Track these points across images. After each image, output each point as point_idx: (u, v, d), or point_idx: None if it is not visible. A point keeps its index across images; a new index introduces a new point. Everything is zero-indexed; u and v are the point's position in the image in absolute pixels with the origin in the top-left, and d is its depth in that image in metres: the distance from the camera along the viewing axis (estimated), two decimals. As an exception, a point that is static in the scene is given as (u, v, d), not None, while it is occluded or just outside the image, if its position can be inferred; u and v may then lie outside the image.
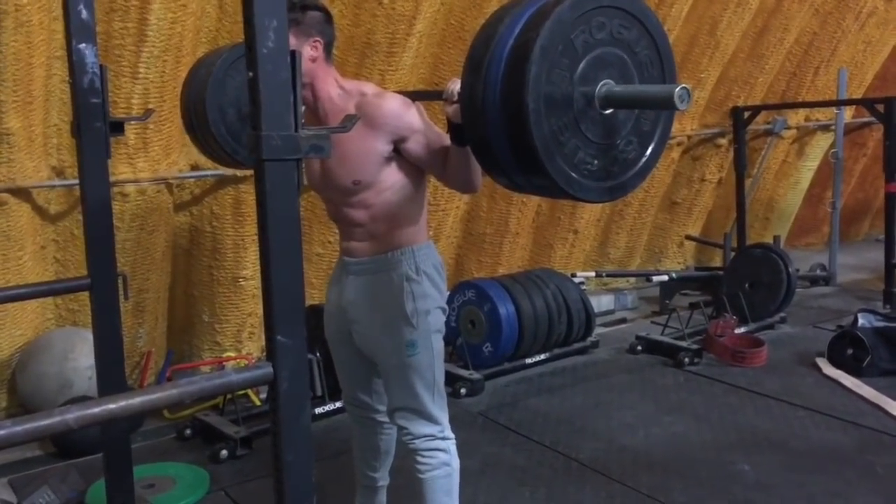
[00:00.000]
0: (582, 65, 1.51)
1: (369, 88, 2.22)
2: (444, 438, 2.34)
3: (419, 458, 2.33)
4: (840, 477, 3.14)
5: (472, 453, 3.32)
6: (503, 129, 1.53)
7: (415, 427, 2.32)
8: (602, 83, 1.55)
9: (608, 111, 1.58)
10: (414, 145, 2.17)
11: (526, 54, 1.44)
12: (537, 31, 1.44)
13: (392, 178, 2.21)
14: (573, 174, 1.55)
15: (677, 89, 1.48)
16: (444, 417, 2.36)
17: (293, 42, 2.09)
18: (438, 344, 2.33)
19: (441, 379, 2.35)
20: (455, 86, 1.96)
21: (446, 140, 2.15)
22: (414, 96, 2.22)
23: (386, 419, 2.55)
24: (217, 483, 3.16)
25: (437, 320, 2.32)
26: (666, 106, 1.53)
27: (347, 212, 2.28)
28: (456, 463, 2.37)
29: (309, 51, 2.16)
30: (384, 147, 2.16)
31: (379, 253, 2.28)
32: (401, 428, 2.35)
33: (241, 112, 2.58)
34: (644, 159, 1.69)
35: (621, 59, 1.58)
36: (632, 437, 3.57)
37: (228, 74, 2.57)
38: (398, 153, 2.19)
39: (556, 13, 1.45)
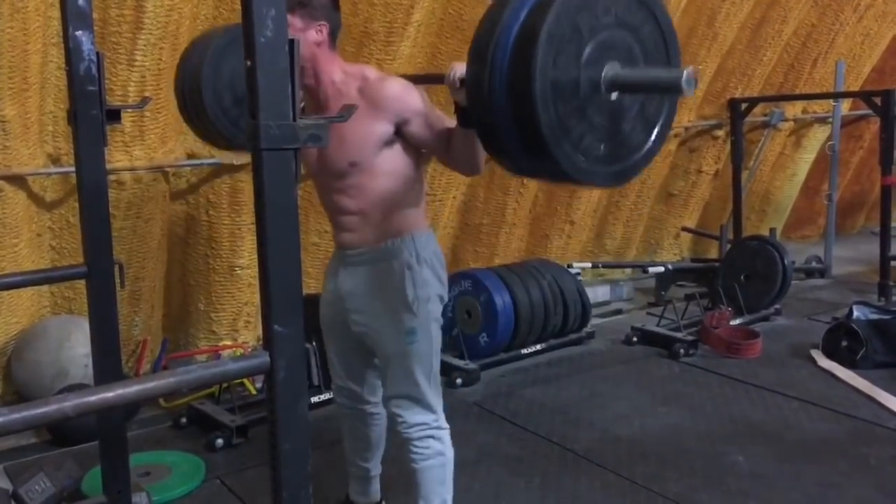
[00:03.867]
0: (588, 48, 1.50)
1: (371, 73, 2.22)
2: (438, 428, 2.35)
3: (413, 448, 2.33)
4: (833, 468, 3.16)
5: (468, 443, 3.33)
6: (510, 116, 1.52)
7: (410, 415, 2.32)
8: (608, 66, 1.53)
9: (614, 96, 1.57)
10: (416, 128, 2.17)
11: (532, 40, 1.43)
12: (543, 16, 1.43)
13: (389, 163, 2.20)
14: (580, 159, 1.54)
15: (685, 73, 1.45)
16: (439, 406, 2.36)
17: (299, 24, 2.09)
18: (437, 333, 2.33)
19: (437, 368, 2.36)
20: (458, 71, 1.94)
21: (448, 122, 2.16)
22: (415, 80, 2.23)
23: (376, 410, 2.56)
24: (213, 471, 3.17)
25: (437, 309, 2.33)
26: (673, 91, 1.52)
27: (341, 199, 2.26)
28: (450, 452, 2.38)
29: (314, 34, 2.14)
30: (385, 129, 2.15)
31: (377, 241, 2.27)
32: (395, 416, 2.35)
33: (238, 96, 2.54)
34: (649, 144, 1.68)
35: (626, 43, 1.56)
36: (627, 428, 3.58)
37: (224, 58, 2.52)
38: (399, 136, 2.18)
39: None
